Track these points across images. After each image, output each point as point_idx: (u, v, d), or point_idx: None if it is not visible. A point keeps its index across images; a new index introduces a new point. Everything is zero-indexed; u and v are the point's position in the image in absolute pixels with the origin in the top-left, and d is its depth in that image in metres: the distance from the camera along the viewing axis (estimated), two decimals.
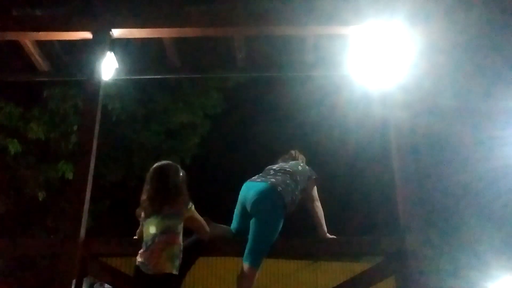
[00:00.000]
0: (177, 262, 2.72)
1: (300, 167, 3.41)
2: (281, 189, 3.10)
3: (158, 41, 4.19)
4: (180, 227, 2.81)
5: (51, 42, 4.32)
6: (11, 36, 4.10)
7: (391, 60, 3.76)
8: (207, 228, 3.00)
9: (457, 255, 9.63)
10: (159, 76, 5.30)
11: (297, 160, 3.62)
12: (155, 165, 2.96)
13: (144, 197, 2.88)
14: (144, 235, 2.82)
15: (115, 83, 6.79)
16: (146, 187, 2.89)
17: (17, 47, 4.23)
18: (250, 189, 3.17)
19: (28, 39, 4.14)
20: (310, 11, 3.86)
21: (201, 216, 3.00)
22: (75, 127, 8.07)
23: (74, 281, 3.12)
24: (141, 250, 2.78)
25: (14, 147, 7.66)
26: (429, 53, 3.94)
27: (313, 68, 4.52)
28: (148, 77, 5.30)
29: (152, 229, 2.77)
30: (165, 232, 2.74)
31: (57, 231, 8.63)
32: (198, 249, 3.04)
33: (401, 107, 3.60)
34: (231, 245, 3.28)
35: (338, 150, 11.47)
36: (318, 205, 3.36)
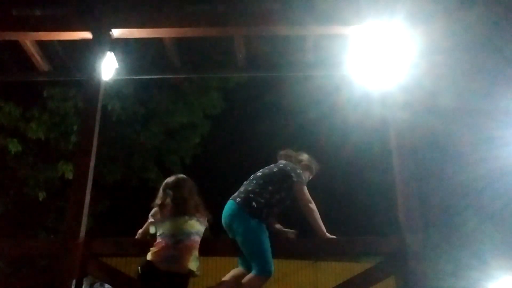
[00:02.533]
0: (197, 264, 2.87)
1: (275, 169, 3.35)
2: (239, 200, 3.16)
3: (158, 41, 4.19)
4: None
5: (51, 42, 4.32)
6: (11, 36, 4.10)
7: (391, 60, 3.76)
8: None
9: (457, 255, 9.63)
10: (159, 76, 5.30)
11: (290, 159, 3.54)
12: (179, 175, 3.17)
13: (165, 200, 3.00)
14: (173, 231, 2.90)
15: (115, 83, 6.78)
16: (169, 192, 3.03)
17: (17, 47, 4.23)
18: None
19: (28, 39, 4.14)
20: (310, 11, 3.86)
21: None
22: (75, 127, 8.06)
23: (74, 281, 3.12)
24: (167, 244, 2.84)
25: (14, 147, 7.66)
26: (429, 53, 3.93)
27: (313, 68, 4.52)
28: (148, 77, 5.29)
29: (190, 227, 2.92)
30: (198, 234, 2.94)
31: (57, 231, 8.63)
32: None
33: (401, 107, 3.60)
34: (230, 245, 3.28)
35: (338, 150, 11.46)
36: (309, 206, 3.23)
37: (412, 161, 3.48)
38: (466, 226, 9.77)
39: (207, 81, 9.15)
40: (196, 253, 2.90)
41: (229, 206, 3.20)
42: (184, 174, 3.22)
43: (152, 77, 5.37)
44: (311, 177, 3.57)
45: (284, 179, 3.28)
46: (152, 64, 4.61)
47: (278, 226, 3.44)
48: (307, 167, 3.52)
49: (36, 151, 8.39)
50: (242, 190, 3.26)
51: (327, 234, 3.27)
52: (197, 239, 2.93)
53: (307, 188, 3.32)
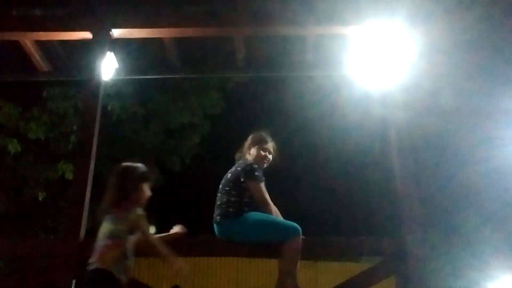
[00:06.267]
0: (119, 268, 2.59)
1: (229, 175, 3.30)
2: (218, 217, 3.15)
3: (158, 41, 4.19)
4: (126, 232, 2.65)
5: (51, 42, 4.31)
6: (11, 36, 4.10)
7: (391, 60, 3.76)
8: (148, 234, 2.78)
9: (457, 255, 9.63)
10: (159, 76, 5.30)
11: (242, 157, 3.47)
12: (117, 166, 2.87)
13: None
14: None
15: (115, 83, 6.78)
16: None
17: (17, 47, 4.23)
18: None
19: (28, 39, 4.14)
20: (310, 11, 3.86)
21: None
22: (75, 127, 8.06)
23: (74, 281, 3.12)
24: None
25: (14, 147, 7.66)
26: (429, 53, 3.93)
27: (313, 68, 4.53)
28: (148, 77, 5.29)
29: (100, 233, 2.70)
30: (109, 237, 2.64)
31: (57, 231, 8.62)
32: None
33: (401, 107, 3.60)
34: (230, 246, 3.28)
35: (338, 150, 11.45)
36: (266, 208, 3.13)
37: (412, 161, 3.48)
38: (466, 226, 9.77)
39: (207, 81, 9.15)
40: (110, 255, 2.58)
41: (215, 229, 3.19)
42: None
43: (152, 77, 5.37)
44: (266, 165, 3.43)
45: (239, 181, 3.20)
46: (152, 64, 4.61)
47: None
48: (258, 159, 3.39)
49: (36, 151, 8.38)
50: (215, 208, 3.22)
51: None
52: (106, 242, 2.62)
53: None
